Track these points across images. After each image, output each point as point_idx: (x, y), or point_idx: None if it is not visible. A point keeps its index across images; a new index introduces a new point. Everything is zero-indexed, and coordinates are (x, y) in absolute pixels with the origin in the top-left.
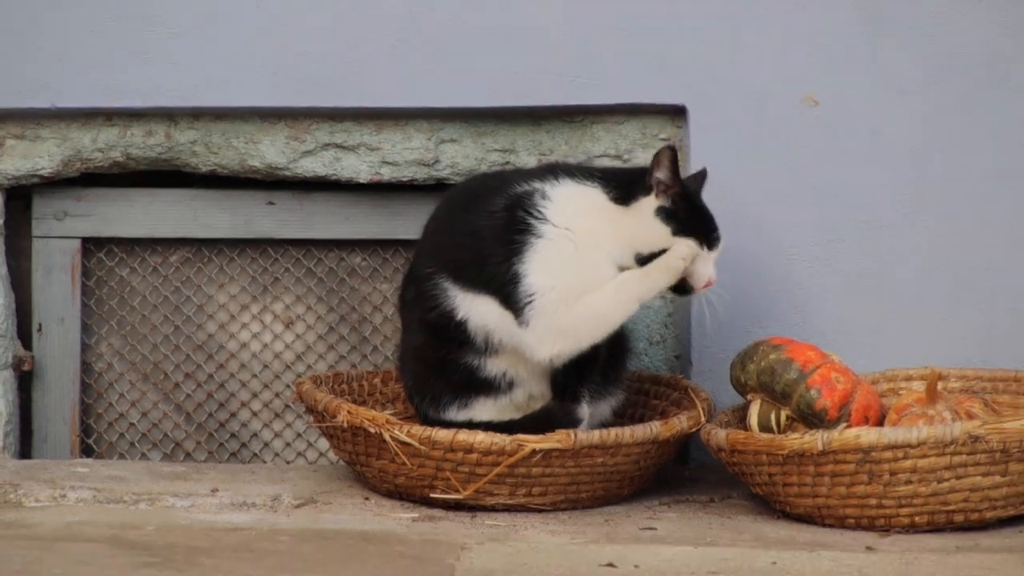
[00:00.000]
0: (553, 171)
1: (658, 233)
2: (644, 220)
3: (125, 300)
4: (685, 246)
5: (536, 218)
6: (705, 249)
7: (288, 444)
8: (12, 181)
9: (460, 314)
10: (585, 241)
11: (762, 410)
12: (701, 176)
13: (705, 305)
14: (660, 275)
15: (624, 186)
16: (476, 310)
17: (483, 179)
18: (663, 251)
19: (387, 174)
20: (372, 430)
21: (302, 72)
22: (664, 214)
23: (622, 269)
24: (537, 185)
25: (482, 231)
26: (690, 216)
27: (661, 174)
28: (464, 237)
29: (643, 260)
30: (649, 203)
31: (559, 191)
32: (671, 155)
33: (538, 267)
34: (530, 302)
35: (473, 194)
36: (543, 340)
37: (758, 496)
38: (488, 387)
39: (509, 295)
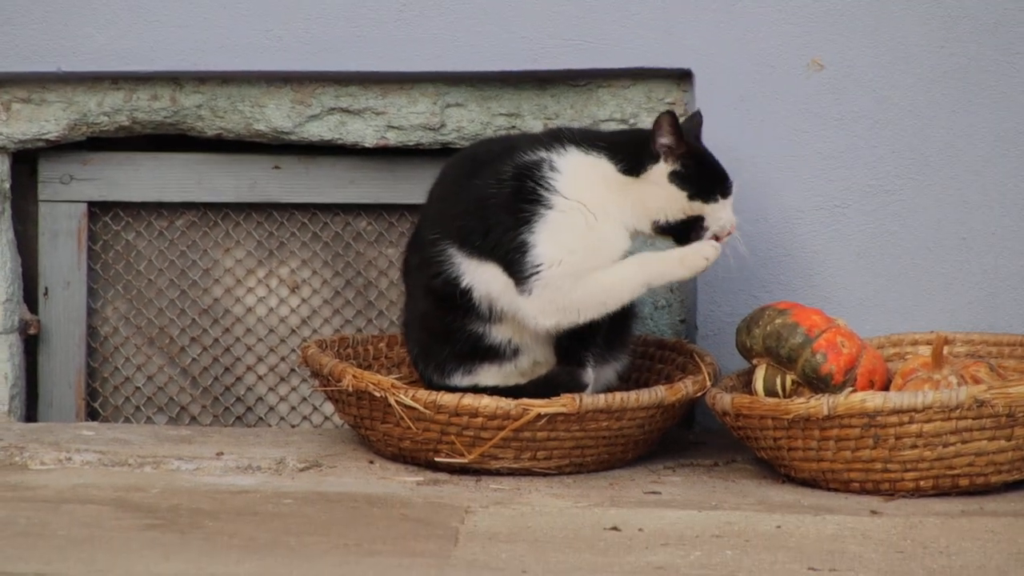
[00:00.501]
0: (559, 139)
1: (674, 198)
2: (658, 188)
3: (131, 264)
4: (711, 247)
5: (546, 189)
6: (719, 199)
7: (293, 408)
8: (18, 145)
9: (465, 281)
10: (597, 214)
11: (767, 374)
12: (697, 120)
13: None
14: (676, 267)
15: (631, 156)
16: (481, 277)
17: (488, 145)
18: (683, 218)
19: (393, 138)
20: (377, 394)
21: (308, 36)
22: (677, 178)
23: (635, 237)
24: (544, 154)
25: (489, 199)
26: (702, 174)
27: (665, 139)
28: (470, 204)
29: (661, 227)
30: (660, 170)
31: (567, 161)
32: (671, 119)
33: (547, 238)
34: (536, 272)
35: (479, 160)
36: (544, 312)
37: (763, 460)
38: (493, 354)
39: (514, 263)
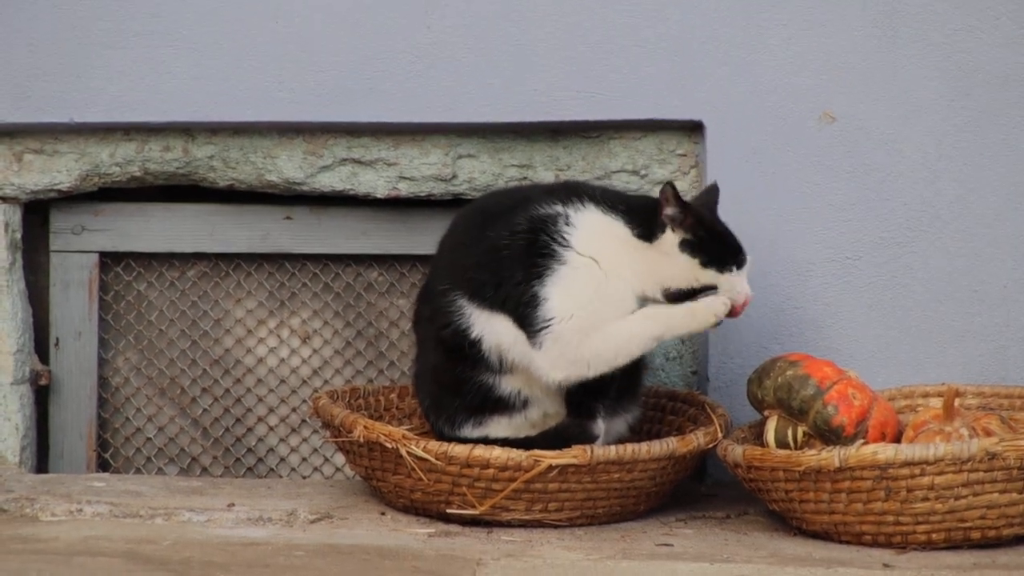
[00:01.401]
0: (577, 194)
1: (687, 267)
2: (670, 256)
3: (142, 315)
4: (721, 303)
5: (560, 244)
6: (735, 270)
7: (304, 459)
8: (30, 196)
9: (475, 332)
10: (608, 272)
11: (779, 426)
12: (713, 192)
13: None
14: (687, 321)
15: (646, 222)
16: (491, 328)
17: (500, 196)
18: (693, 287)
19: (405, 189)
20: (389, 445)
21: (320, 87)
22: (689, 247)
23: (642, 302)
24: (560, 209)
25: (502, 250)
26: (713, 243)
27: (670, 211)
28: (482, 255)
29: (671, 294)
30: (670, 239)
31: (584, 218)
32: (672, 191)
33: (559, 292)
34: (547, 327)
35: (491, 212)
36: (555, 365)
37: (775, 513)
38: (503, 405)
39: (526, 316)
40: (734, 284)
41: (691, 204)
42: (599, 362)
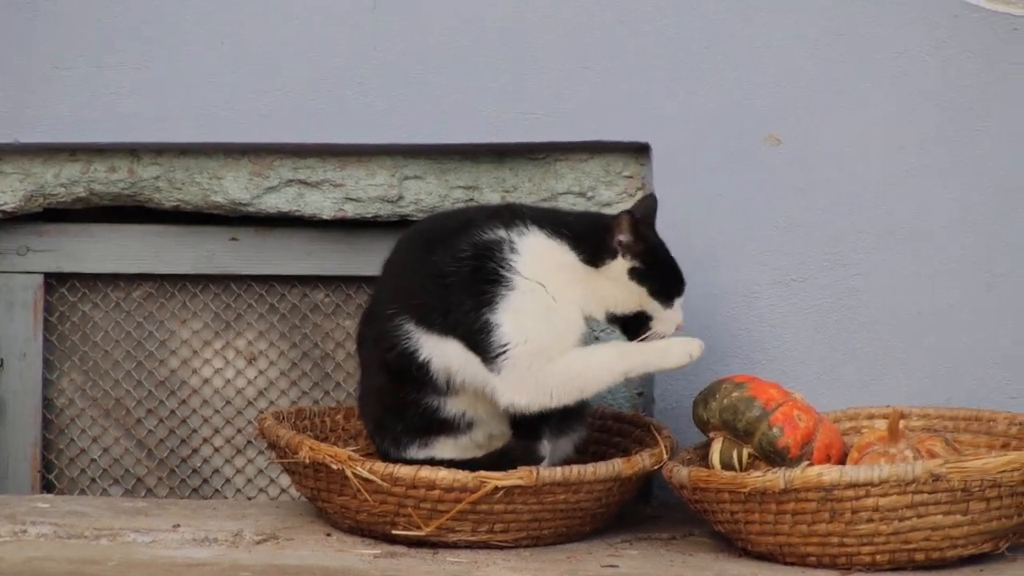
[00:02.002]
0: (520, 217)
1: (634, 293)
2: (618, 282)
3: (87, 336)
4: (697, 346)
5: (506, 270)
6: (676, 300)
7: (250, 480)
8: None
9: (423, 355)
10: (557, 296)
11: (724, 448)
12: (651, 202)
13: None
14: (659, 360)
15: (592, 246)
16: (440, 351)
17: (443, 219)
18: (635, 312)
19: (351, 210)
20: (334, 466)
21: (266, 108)
22: (638, 275)
23: (587, 321)
24: (503, 234)
25: (448, 276)
26: (662, 273)
27: (624, 237)
28: (427, 281)
29: (613, 317)
30: (619, 265)
31: (528, 243)
32: (631, 220)
33: (511, 318)
34: (503, 351)
35: (434, 236)
36: (515, 390)
37: (720, 534)
38: (448, 427)
39: (479, 343)
40: (672, 314)
41: (646, 234)
42: (563, 392)
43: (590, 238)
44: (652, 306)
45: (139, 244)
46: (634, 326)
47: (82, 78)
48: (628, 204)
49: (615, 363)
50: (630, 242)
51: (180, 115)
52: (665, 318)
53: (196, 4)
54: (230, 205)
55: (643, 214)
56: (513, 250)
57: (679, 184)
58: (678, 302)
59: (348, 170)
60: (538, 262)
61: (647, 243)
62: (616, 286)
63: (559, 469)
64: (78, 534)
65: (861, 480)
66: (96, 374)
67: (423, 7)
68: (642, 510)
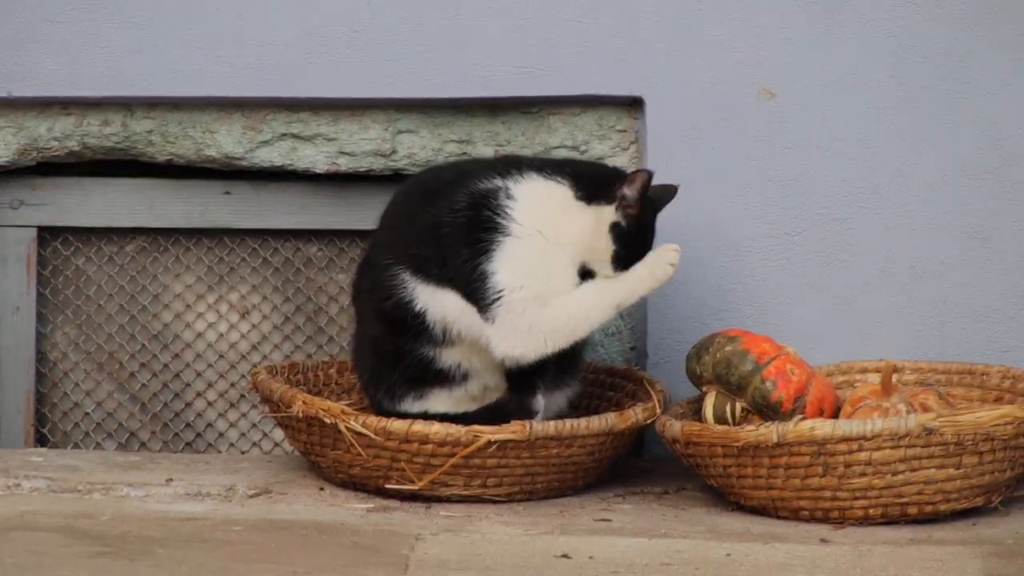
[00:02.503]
0: (516, 165)
1: (601, 246)
2: (596, 227)
3: (81, 289)
4: (673, 252)
5: (503, 218)
6: None
7: (243, 434)
8: None
9: (419, 305)
10: (554, 241)
11: (717, 402)
12: (671, 192)
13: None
14: (645, 281)
15: (593, 185)
16: (437, 302)
17: (439, 171)
18: (591, 265)
19: (344, 164)
20: (327, 420)
21: (259, 62)
22: (615, 231)
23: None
24: (499, 182)
25: (444, 227)
26: (635, 246)
27: (629, 192)
28: (424, 232)
29: (583, 269)
30: (607, 213)
31: (524, 188)
32: (646, 180)
33: (506, 265)
34: (498, 298)
35: (431, 188)
36: (508, 337)
37: (713, 488)
38: (443, 378)
39: (474, 291)
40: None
41: (647, 205)
42: (557, 336)
43: (594, 178)
44: (606, 270)
45: (132, 198)
46: None
47: (75, 32)
48: (621, 158)
49: (604, 298)
50: (631, 200)
51: (173, 69)
52: None
53: None
54: (223, 159)
55: (656, 192)
56: (509, 196)
57: (672, 138)
58: None
59: (341, 124)
60: (534, 206)
61: (643, 212)
62: (592, 229)
63: (552, 423)
64: (71, 488)
65: (854, 434)
66: (89, 328)
67: None
68: (635, 464)
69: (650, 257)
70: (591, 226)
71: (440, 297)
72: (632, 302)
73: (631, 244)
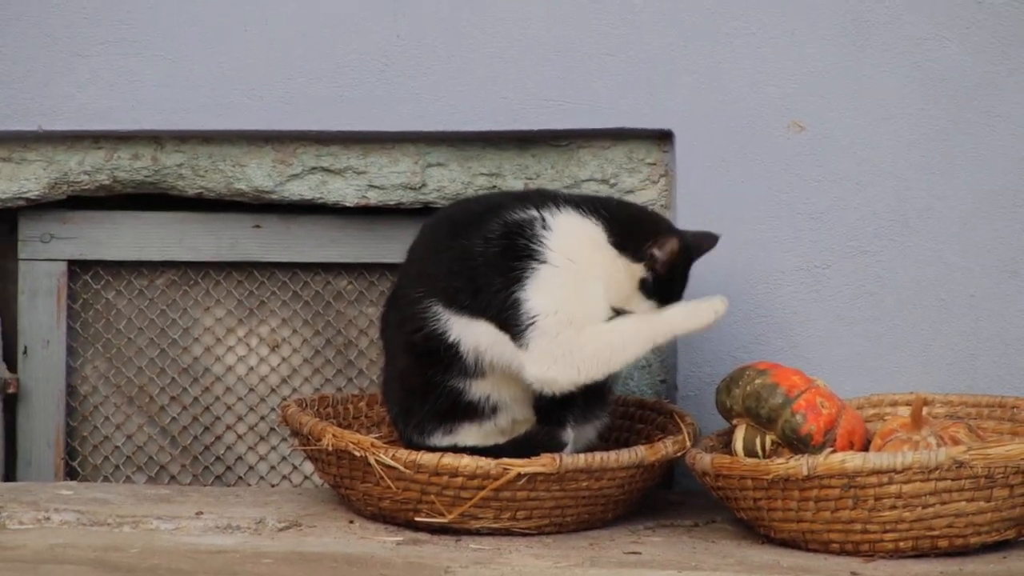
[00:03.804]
0: (552, 199)
1: (633, 294)
2: (626, 277)
3: (111, 323)
4: (720, 301)
5: (537, 245)
6: None
7: (273, 467)
8: None
9: (452, 336)
10: (587, 274)
11: (747, 435)
12: (712, 242)
13: None
14: (684, 321)
15: (626, 235)
16: (470, 332)
17: (470, 204)
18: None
19: (374, 198)
20: (357, 453)
21: (289, 96)
22: (644, 287)
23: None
24: (535, 213)
25: (477, 257)
26: (665, 293)
27: (659, 254)
28: (456, 263)
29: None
30: (637, 268)
31: (560, 220)
32: (677, 249)
33: (541, 292)
34: (532, 323)
35: (461, 220)
36: (540, 361)
37: (743, 521)
38: (472, 412)
39: (509, 319)
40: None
41: (675, 269)
42: (591, 365)
43: (628, 227)
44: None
45: (162, 231)
46: None
47: (105, 65)
48: (651, 191)
49: (641, 330)
50: (660, 263)
51: (203, 103)
52: None
53: None
54: (253, 192)
55: (696, 242)
56: (545, 227)
57: (702, 171)
58: None
59: (371, 157)
60: (570, 238)
61: (672, 276)
62: (622, 279)
63: (582, 456)
64: (101, 521)
65: (884, 467)
66: (119, 361)
67: None
68: (665, 497)
69: (699, 301)
70: (622, 274)
71: (473, 327)
72: (669, 340)
73: (660, 296)
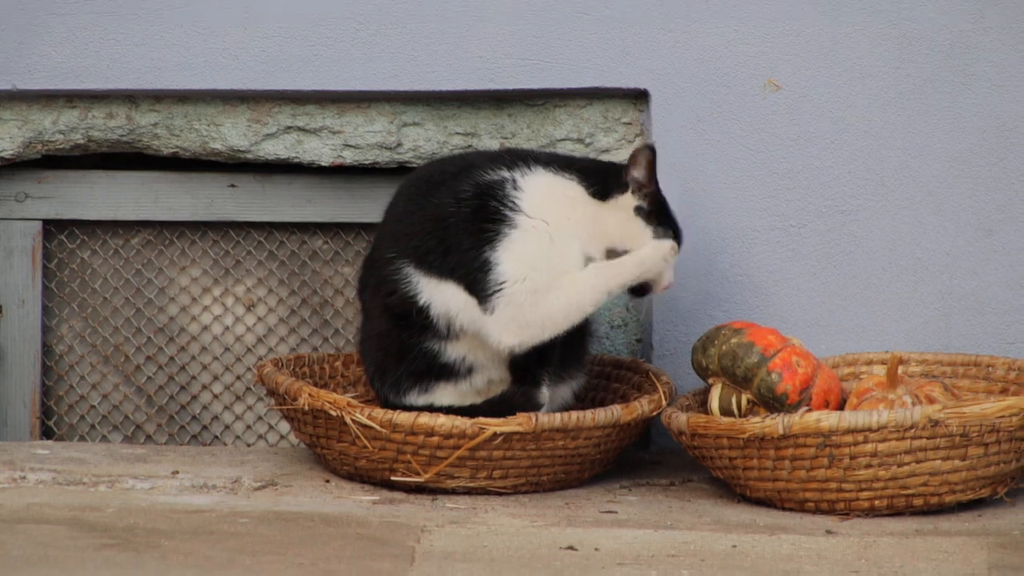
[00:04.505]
0: (523, 159)
1: (638, 231)
2: (623, 217)
3: (86, 282)
4: (670, 248)
5: (510, 208)
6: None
7: (249, 427)
8: None
9: (423, 299)
10: (559, 233)
11: (723, 394)
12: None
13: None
14: (635, 268)
15: (601, 181)
16: (440, 295)
17: (444, 164)
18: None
19: (349, 157)
20: (333, 413)
21: (264, 55)
22: (643, 214)
23: (587, 262)
24: (506, 174)
25: (448, 217)
26: (666, 219)
27: (638, 173)
28: (428, 223)
29: (614, 254)
30: (627, 200)
31: (532, 181)
32: (650, 155)
33: (511, 256)
34: (499, 290)
35: (435, 180)
36: (507, 329)
37: (719, 480)
38: (448, 372)
39: (476, 281)
40: (669, 268)
41: (656, 177)
42: (553, 323)
43: (601, 173)
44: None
45: (138, 191)
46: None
47: (79, 24)
48: (627, 151)
49: (595, 283)
50: (643, 179)
51: (178, 62)
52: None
53: None
54: (229, 152)
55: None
56: (516, 187)
57: (677, 130)
58: (676, 253)
59: (346, 117)
60: (542, 199)
61: (656, 189)
62: (620, 221)
63: (558, 415)
64: (77, 480)
65: (859, 425)
66: (95, 321)
67: None
68: (641, 456)
69: (648, 248)
70: (614, 219)
71: (443, 290)
72: (622, 287)
73: (664, 218)
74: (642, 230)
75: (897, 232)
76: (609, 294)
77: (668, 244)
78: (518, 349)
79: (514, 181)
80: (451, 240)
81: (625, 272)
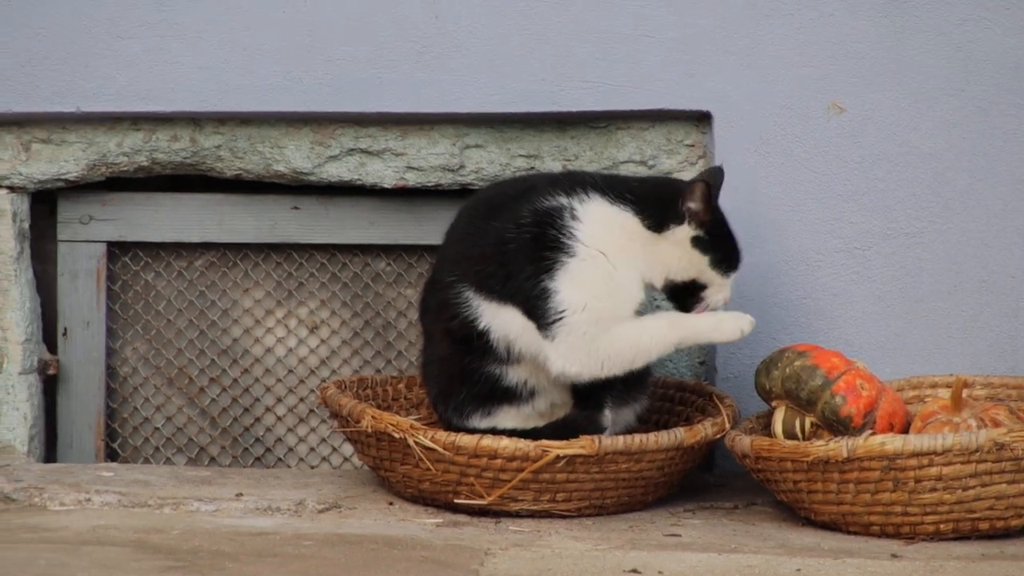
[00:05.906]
0: (581, 184)
1: (695, 262)
2: (679, 248)
3: (150, 304)
4: (748, 322)
5: (567, 237)
6: (732, 273)
7: (312, 449)
8: (38, 185)
9: (483, 323)
10: (618, 264)
11: (787, 417)
12: (719, 175)
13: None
14: (710, 332)
15: (656, 212)
16: (500, 320)
17: (504, 187)
18: (693, 281)
19: (412, 179)
20: (396, 435)
21: (327, 77)
22: (700, 244)
23: (646, 290)
24: (564, 201)
25: (508, 243)
26: (725, 245)
27: (695, 204)
28: (488, 247)
29: (671, 285)
30: (683, 231)
31: (589, 210)
32: (705, 189)
33: (570, 285)
34: (560, 318)
35: (495, 203)
36: (568, 357)
37: (783, 503)
38: (510, 395)
39: (536, 308)
40: (727, 286)
41: (715, 205)
42: (614, 362)
43: (656, 203)
44: (709, 276)
45: (201, 213)
46: (683, 294)
47: (144, 48)
48: (690, 173)
49: (667, 334)
50: (699, 210)
51: (241, 84)
52: (720, 288)
53: None
54: (292, 174)
55: (711, 180)
56: (574, 217)
57: (740, 152)
58: (733, 276)
59: (409, 139)
60: (599, 229)
61: (715, 214)
62: (677, 252)
63: (621, 438)
64: (142, 503)
65: (924, 449)
66: (159, 343)
67: None
68: (705, 479)
69: (727, 315)
70: (670, 250)
71: (503, 314)
72: (691, 345)
73: (722, 244)
74: (699, 259)
75: (962, 255)
76: (677, 347)
77: (747, 320)
78: (577, 379)
79: (572, 210)
80: (511, 266)
81: (699, 333)
